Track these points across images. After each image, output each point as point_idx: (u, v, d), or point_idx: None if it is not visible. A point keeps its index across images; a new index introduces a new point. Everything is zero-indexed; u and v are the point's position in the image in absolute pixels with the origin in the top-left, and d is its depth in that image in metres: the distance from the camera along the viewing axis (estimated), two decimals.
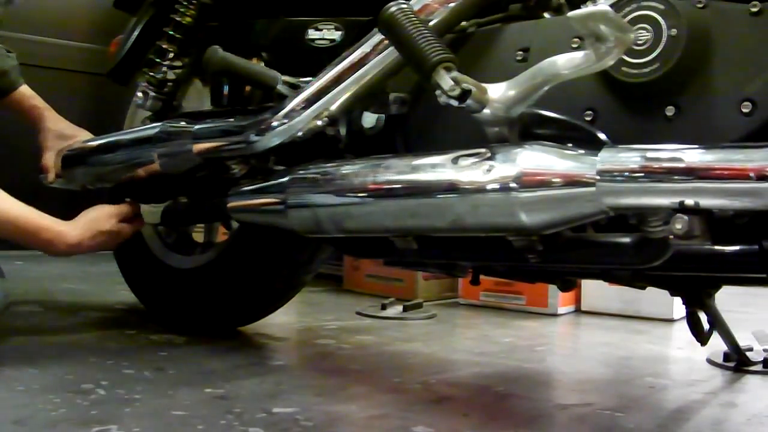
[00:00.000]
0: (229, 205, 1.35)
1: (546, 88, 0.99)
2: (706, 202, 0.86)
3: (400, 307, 2.15)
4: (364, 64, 1.20)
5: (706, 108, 0.96)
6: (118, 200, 1.55)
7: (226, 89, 1.49)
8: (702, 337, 1.37)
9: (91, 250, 1.46)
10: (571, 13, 0.91)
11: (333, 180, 1.17)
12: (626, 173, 0.90)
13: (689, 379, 1.51)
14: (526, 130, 1.04)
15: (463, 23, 1.21)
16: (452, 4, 1.17)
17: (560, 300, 2.25)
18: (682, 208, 0.87)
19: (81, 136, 1.67)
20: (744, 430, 1.19)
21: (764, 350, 1.62)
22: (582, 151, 0.95)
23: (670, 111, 0.98)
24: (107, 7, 1.87)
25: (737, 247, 0.93)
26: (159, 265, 1.75)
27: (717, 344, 1.52)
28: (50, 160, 1.66)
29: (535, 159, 0.96)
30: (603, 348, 1.82)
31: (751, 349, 1.61)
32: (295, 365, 1.55)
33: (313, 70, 1.27)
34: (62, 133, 1.68)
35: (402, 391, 1.30)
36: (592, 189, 0.91)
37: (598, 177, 0.91)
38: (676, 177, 0.87)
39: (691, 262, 0.96)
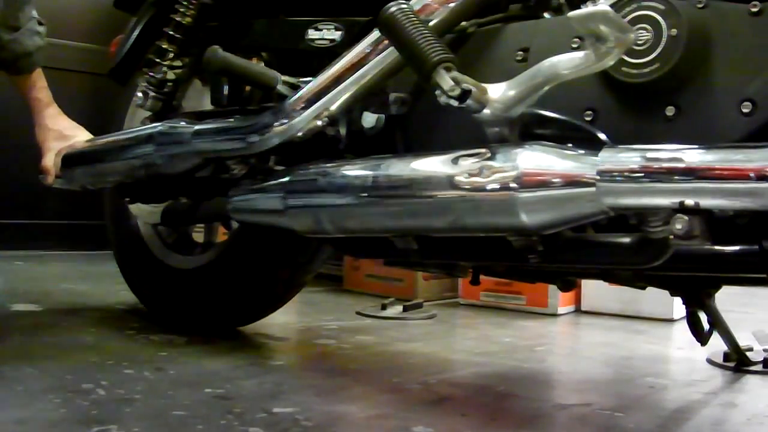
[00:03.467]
0: (229, 205, 1.35)
1: (546, 88, 0.99)
2: (706, 202, 0.86)
3: (400, 307, 2.15)
4: (364, 64, 1.20)
5: (706, 108, 0.96)
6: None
7: (226, 89, 1.49)
8: (702, 337, 1.37)
9: None
10: (571, 13, 0.91)
11: (333, 180, 1.17)
12: (626, 173, 0.90)
13: (689, 379, 1.51)
14: (526, 130, 1.04)
15: (463, 23, 1.21)
16: (452, 4, 1.17)
17: (560, 300, 2.25)
18: (682, 209, 0.87)
19: (81, 136, 1.67)
20: (744, 430, 1.19)
21: (764, 350, 1.62)
22: (582, 151, 0.95)
23: (670, 111, 0.98)
24: (107, 7, 1.87)
25: (737, 247, 0.93)
26: (159, 265, 1.75)
27: (717, 344, 1.52)
28: (50, 161, 1.66)
29: (535, 159, 0.96)
30: (603, 348, 1.82)
31: (751, 349, 1.61)
32: (295, 365, 1.55)
33: (313, 70, 1.27)
34: (62, 134, 1.67)
35: (402, 391, 1.30)
36: (593, 189, 0.91)
37: (598, 177, 0.91)
38: (676, 177, 0.87)
39: (691, 262, 0.96)
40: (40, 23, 1.65)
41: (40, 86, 1.69)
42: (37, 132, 1.67)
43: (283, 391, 1.25)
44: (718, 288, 1.26)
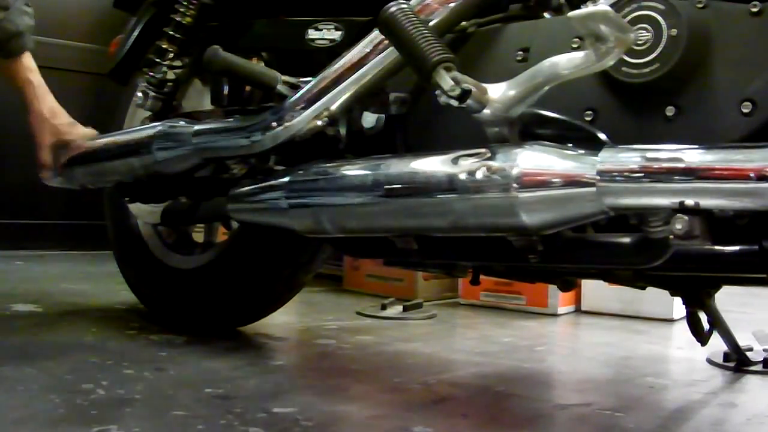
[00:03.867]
0: (229, 205, 1.35)
1: (546, 88, 0.99)
2: (706, 202, 0.86)
3: (400, 307, 2.15)
4: (364, 64, 1.20)
5: (706, 108, 0.96)
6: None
7: (226, 89, 1.49)
8: (702, 337, 1.37)
9: None
10: (571, 13, 0.91)
11: (333, 180, 1.17)
12: (626, 173, 0.90)
13: (689, 379, 1.51)
14: (526, 130, 1.04)
15: (463, 23, 1.21)
16: (452, 4, 1.17)
17: (560, 300, 2.25)
18: (682, 209, 0.87)
19: (77, 132, 1.65)
20: (744, 430, 1.19)
21: (764, 350, 1.62)
22: (582, 151, 0.95)
23: (670, 111, 0.98)
24: (107, 7, 1.87)
25: (737, 247, 0.93)
26: (159, 265, 1.75)
27: (717, 344, 1.52)
28: (47, 156, 1.64)
29: (535, 159, 0.96)
30: (603, 348, 1.82)
31: (751, 349, 1.61)
32: (295, 365, 1.55)
33: (313, 70, 1.27)
34: (59, 130, 1.65)
35: (402, 391, 1.30)
36: (593, 189, 0.91)
37: (598, 177, 0.91)
38: (676, 177, 0.87)
39: (691, 262, 0.96)
40: (27, 4, 1.60)
41: (30, 68, 1.62)
42: (31, 120, 1.63)
43: (283, 391, 1.25)
44: (718, 288, 1.26)
